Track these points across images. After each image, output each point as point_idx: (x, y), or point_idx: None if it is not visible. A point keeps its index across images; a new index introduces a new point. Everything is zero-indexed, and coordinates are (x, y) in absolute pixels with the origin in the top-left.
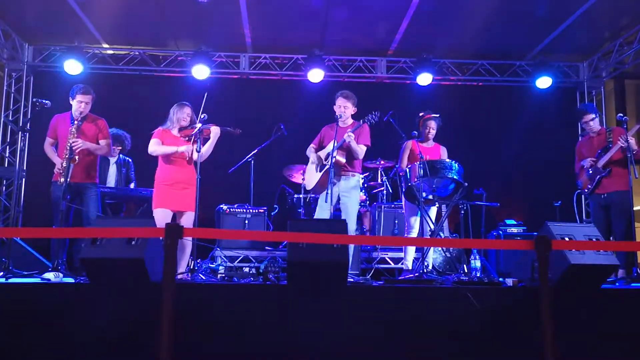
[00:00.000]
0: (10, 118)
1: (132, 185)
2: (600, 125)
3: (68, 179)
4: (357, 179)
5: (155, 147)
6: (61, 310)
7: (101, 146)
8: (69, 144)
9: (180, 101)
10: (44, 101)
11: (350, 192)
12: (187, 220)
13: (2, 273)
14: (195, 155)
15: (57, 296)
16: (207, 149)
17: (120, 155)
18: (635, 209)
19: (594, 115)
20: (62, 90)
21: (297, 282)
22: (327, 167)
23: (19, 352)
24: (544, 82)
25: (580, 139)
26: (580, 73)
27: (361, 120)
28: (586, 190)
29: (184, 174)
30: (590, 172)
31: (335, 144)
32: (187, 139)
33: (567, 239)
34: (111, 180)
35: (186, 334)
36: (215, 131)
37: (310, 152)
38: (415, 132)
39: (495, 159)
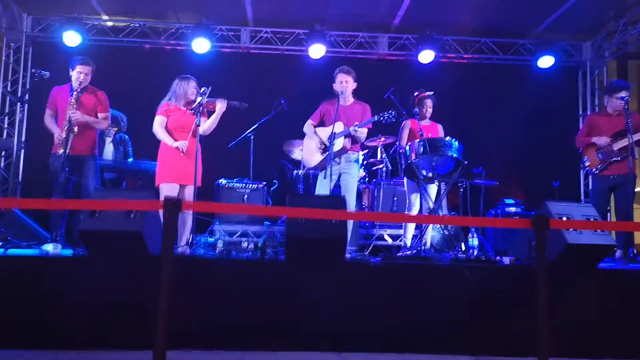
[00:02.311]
0: (8, 89)
1: (129, 161)
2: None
3: (67, 150)
4: (357, 156)
5: (158, 128)
6: (59, 282)
7: (99, 120)
8: (67, 116)
9: (180, 74)
10: (42, 72)
11: (350, 168)
12: (189, 193)
13: (0, 244)
14: (200, 129)
15: (55, 268)
16: (211, 123)
17: (117, 135)
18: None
19: (627, 95)
20: (61, 61)
21: (295, 257)
22: (329, 150)
23: (16, 323)
24: (546, 61)
25: (590, 113)
26: (584, 52)
27: (375, 117)
28: (594, 170)
29: (189, 147)
30: (603, 152)
31: (341, 129)
32: (193, 112)
33: (565, 218)
34: (108, 157)
35: (184, 307)
36: (220, 105)
37: (309, 128)
38: (417, 110)
39: (495, 137)
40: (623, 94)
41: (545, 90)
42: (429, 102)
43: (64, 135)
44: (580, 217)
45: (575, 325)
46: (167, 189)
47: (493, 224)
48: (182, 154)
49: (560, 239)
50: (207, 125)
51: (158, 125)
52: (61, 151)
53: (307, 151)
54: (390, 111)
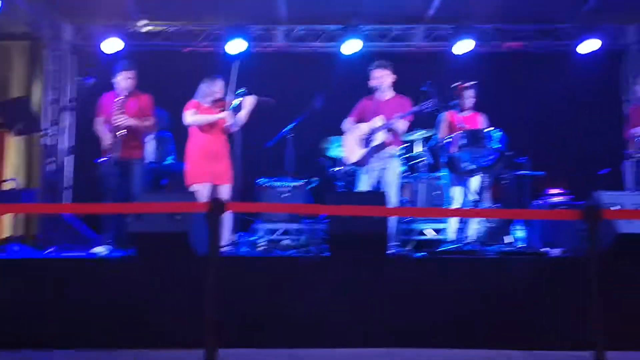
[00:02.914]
0: (54, 97)
1: (170, 159)
2: None
3: (115, 155)
4: (397, 150)
5: (194, 117)
6: (109, 283)
7: (146, 123)
8: (114, 121)
9: (214, 75)
10: (86, 79)
11: (391, 163)
12: (224, 192)
13: (53, 248)
14: (232, 128)
15: (105, 269)
16: (241, 118)
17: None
18: None
19: None
20: (104, 67)
21: (339, 254)
22: (372, 143)
23: (68, 323)
24: (590, 45)
25: (632, 104)
26: (628, 36)
27: (415, 107)
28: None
29: (218, 145)
30: None
31: (381, 124)
32: (221, 109)
33: (615, 208)
34: (150, 156)
35: (231, 306)
36: (250, 100)
37: (348, 126)
38: (456, 102)
39: (538, 126)
40: None
41: (588, 76)
42: (469, 93)
43: (112, 140)
44: (632, 206)
45: (630, 318)
46: (200, 189)
47: (540, 216)
48: (227, 125)
49: (610, 229)
50: (237, 119)
51: (190, 115)
52: (110, 156)
53: (347, 148)
54: (429, 101)
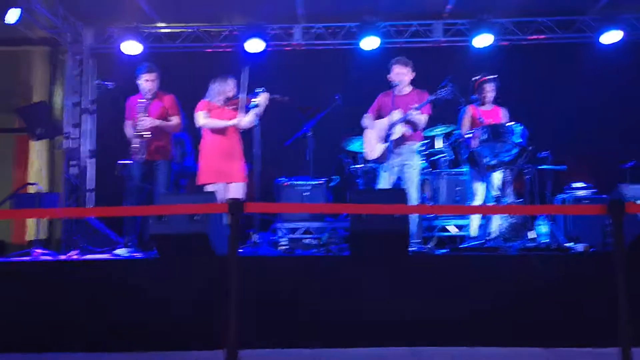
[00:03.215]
0: (75, 101)
1: (187, 159)
2: None
3: (141, 157)
4: (417, 146)
5: (205, 120)
6: (134, 284)
7: (171, 123)
8: (138, 123)
9: (226, 74)
10: (106, 82)
11: (411, 159)
12: (236, 191)
13: (77, 251)
14: (243, 124)
15: (127, 270)
16: (253, 117)
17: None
18: None
19: None
20: (124, 70)
21: (360, 252)
22: (391, 137)
23: (89, 324)
24: (611, 36)
25: None
26: None
27: (432, 96)
28: None
29: (231, 144)
30: None
31: (399, 116)
32: (233, 108)
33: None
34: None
35: (252, 306)
36: (263, 97)
37: (367, 122)
38: (476, 96)
39: (560, 120)
40: None
41: (611, 67)
42: (489, 87)
43: (138, 142)
44: None
45: None
46: (212, 189)
47: (563, 211)
48: (239, 129)
49: (636, 223)
50: (247, 119)
51: (203, 117)
52: (137, 158)
53: (367, 144)
54: (445, 89)
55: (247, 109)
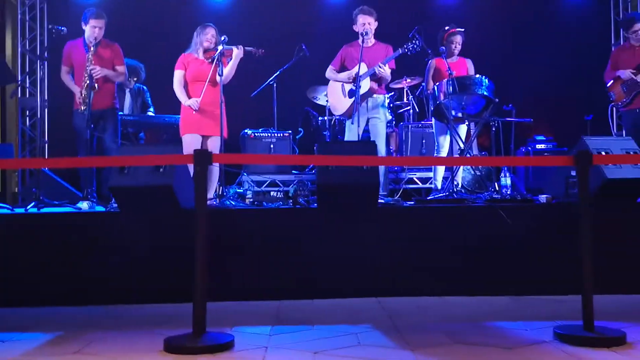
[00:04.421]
0: (27, 47)
1: (150, 111)
2: None
3: (89, 107)
4: (383, 99)
5: (176, 86)
6: (94, 237)
7: (118, 73)
8: (87, 72)
9: (197, 23)
10: (60, 28)
11: (378, 112)
12: (214, 144)
13: (33, 203)
14: (218, 78)
15: (89, 224)
16: (229, 70)
17: (134, 85)
18: None
19: None
20: (77, 15)
21: (328, 205)
22: (356, 94)
23: (53, 279)
24: None
25: (615, 47)
26: None
27: (399, 49)
28: (620, 104)
29: (209, 98)
30: (627, 85)
31: (365, 70)
32: (210, 61)
33: (603, 152)
34: (127, 109)
35: (219, 260)
36: (237, 52)
37: (332, 74)
38: (443, 48)
39: (525, 73)
40: (637, 26)
41: (576, 21)
42: (458, 39)
43: (84, 92)
44: (620, 151)
45: (618, 261)
46: (190, 140)
47: (532, 162)
48: (194, 113)
49: (598, 174)
50: (225, 73)
51: (177, 82)
52: (83, 108)
53: (332, 98)
54: (414, 41)
55: (217, 62)
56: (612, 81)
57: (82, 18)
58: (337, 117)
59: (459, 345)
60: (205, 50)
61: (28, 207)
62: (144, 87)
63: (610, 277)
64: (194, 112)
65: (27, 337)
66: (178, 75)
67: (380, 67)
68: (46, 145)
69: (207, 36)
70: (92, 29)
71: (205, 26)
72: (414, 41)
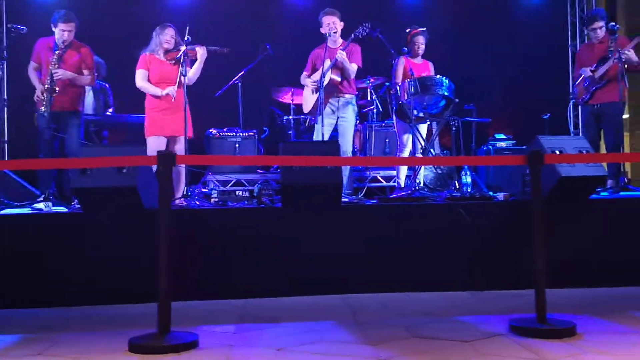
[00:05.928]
0: None
1: (109, 111)
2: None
3: (49, 108)
4: (352, 98)
5: (142, 82)
6: (56, 239)
7: (84, 77)
8: (50, 73)
9: (159, 21)
10: (19, 27)
11: (346, 112)
12: (179, 145)
13: None
14: (183, 79)
15: (51, 225)
16: (194, 71)
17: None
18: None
19: (602, 24)
20: (37, 14)
21: (292, 204)
22: (320, 86)
23: (15, 282)
24: None
25: (580, 46)
26: None
27: (352, 35)
28: (580, 100)
29: (176, 98)
30: (587, 82)
31: (328, 64)
32: (173, 62)
33: (557, 152)
34: (89, 107)
35: (184, 259)
36: (201, 52)
37: (304, 80)
38: (406, 49)
39: (485, 73)
40: (596, 24)
41: (535, 21)
42: (421, 39)
43: (45, 93)
44: (573, 150)
45: (570, 257)
46: (155, 142)
47: (487, 162)
48: (172, 100)
49: (553, 172)
50: (190, 74)
51: (141, 79)
52: (43, 109)
53: (305, 99)
54: (364, 24)
55: (182, 63)
56: (579, 79)
57: (52, 20)
58: (302, 117)
59: (418, 339)
60: (167, 51)
61: None
62: (107, 86)
63: (563, 271)
64: (171, 99)
65: None
66: (141, 74)
67: (339, 56)
68: (6, 145)
69: (166, 37)
70: (60, 32)
71: (165, 26)
72: (364, 24)
